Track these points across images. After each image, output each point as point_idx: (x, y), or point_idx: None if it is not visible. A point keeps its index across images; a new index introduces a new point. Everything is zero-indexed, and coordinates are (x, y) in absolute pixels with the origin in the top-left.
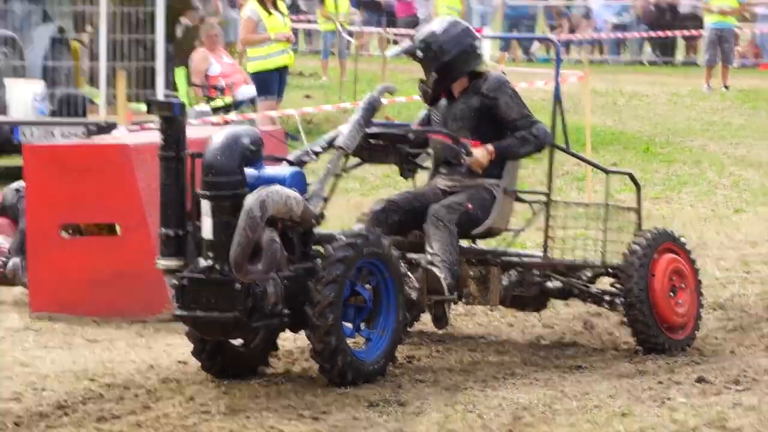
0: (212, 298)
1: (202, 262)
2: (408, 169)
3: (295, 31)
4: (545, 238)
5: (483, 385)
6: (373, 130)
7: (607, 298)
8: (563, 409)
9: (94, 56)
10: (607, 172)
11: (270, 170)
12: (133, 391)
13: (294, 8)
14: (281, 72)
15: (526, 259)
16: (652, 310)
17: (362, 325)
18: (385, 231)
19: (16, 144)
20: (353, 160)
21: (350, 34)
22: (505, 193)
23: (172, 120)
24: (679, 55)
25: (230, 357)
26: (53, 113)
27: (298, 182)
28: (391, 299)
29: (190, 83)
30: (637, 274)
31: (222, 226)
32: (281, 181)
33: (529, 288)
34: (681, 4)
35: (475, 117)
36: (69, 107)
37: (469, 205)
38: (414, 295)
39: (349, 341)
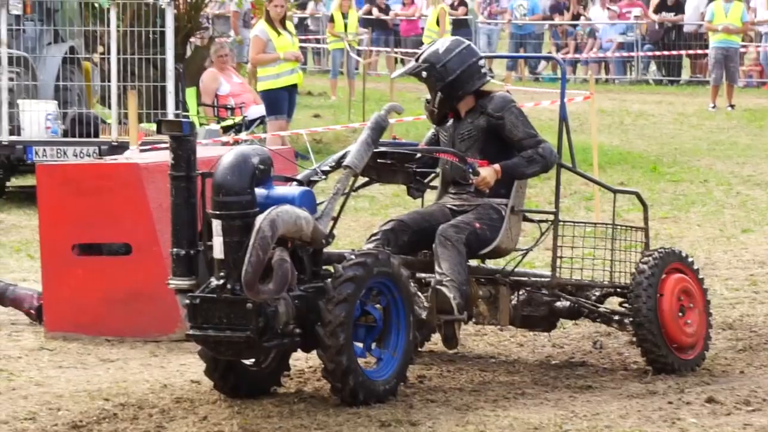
0: (224, 318)
1: (214, 282)
2: (416, 188)
3: (303, 51)
4: (553, 257)
5: (494, 405)
6: (381, 149)
7: (616, 317)
8: (574, 429)
9: (105, 76)
10: (614, 191)
11: (279, 190)
12: (147, 411)
13: (302, 28)
14: (290, 91)
15: (534, 279)
16: (661, 330)
17: (373, 345)
18: (394, 251)
19: (29, 164)
20: (361, 180)
21: (358, 53)
22: (512, 213)
23: (182, 139)
24: (685, 74)
25: (243, 376)
26: (65, 133)
27: (308, 202)
28: (401, 319)
29: (200, 103)
30: (645, 294)
31: (233, 245)
32: (291, 201)
33: (538, 308)
34: (685, 23)
35: (482, 137)
36: (81, 127)
37: (477, 225)
38: (423, 315)
39: (361, 361)
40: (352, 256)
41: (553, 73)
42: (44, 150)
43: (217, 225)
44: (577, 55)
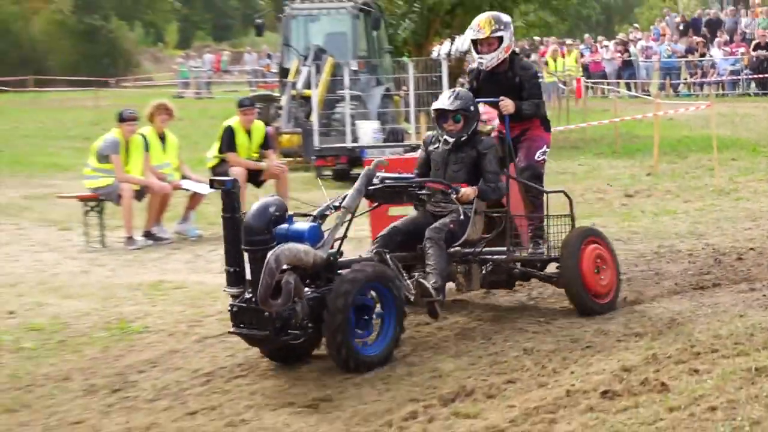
0: (252, 321)
1: (247, 294)
2: (417, 204)
3: None
4: (507, 241)
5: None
6: (390, 182)
7: (553, 278)
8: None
9: (407, 104)
10: (546, 192)
11: (297, 225)
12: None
13: None
14: None
15: (496, 256)
16: (583, 283)
17: (369, 327)
18: (391, 248)
19: (363, 160)
20: (375, 203)
21: (564, 83)
22: (476, 214)
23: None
24: None
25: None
26: (385, 140)
27: (314, 235)
28: (390, 310)
29: None
30: (570, 259)
31: (257, 270)
32: (302, 234)
33: (500, 275)
34: None
35: (471, 163)
36: (394, 136)
37: (452, 226)
38: (411, 298)
39: (360, 341)
40: (355, 265)
41: (689, 90)
42: (371, 151)
43: (246, 255)
44: (703, 79)
